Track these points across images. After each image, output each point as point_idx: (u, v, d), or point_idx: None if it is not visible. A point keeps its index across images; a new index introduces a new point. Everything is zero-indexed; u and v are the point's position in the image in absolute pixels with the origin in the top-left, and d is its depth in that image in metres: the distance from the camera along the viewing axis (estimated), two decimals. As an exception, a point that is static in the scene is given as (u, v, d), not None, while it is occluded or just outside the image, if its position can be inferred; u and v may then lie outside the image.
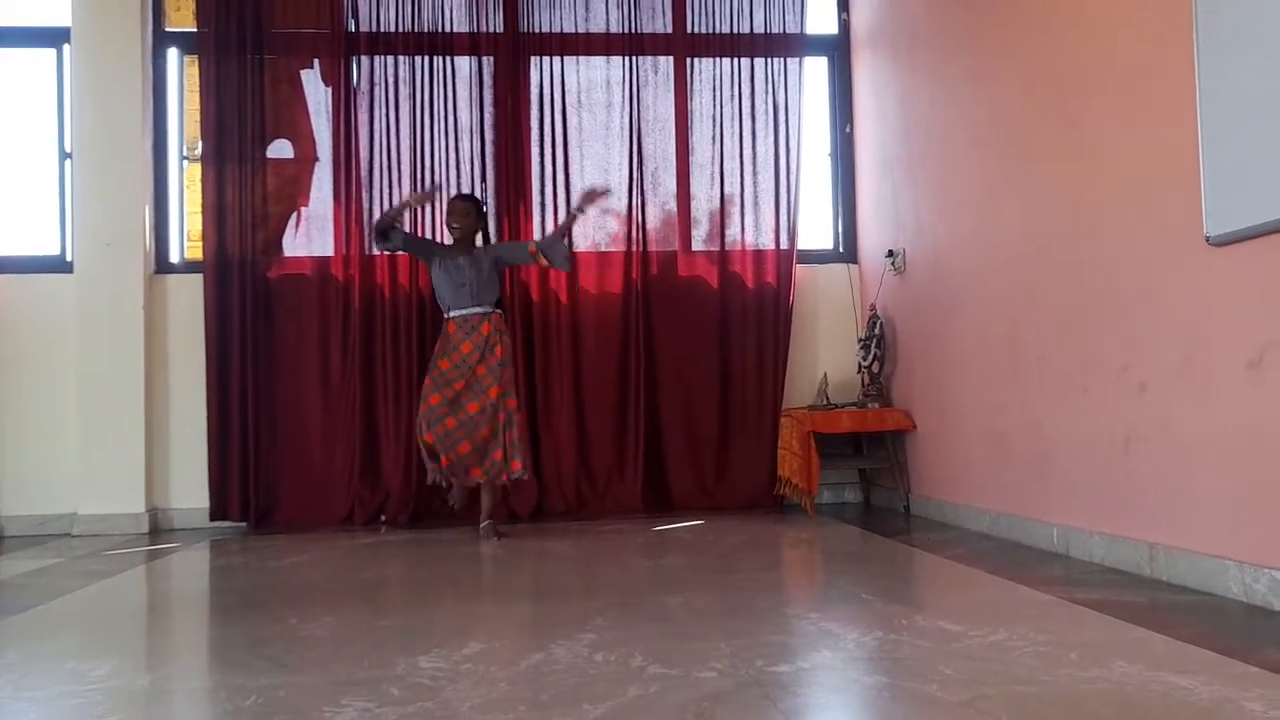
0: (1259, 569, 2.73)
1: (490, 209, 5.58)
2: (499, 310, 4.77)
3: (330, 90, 5.59)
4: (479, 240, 4.85)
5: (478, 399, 4.61)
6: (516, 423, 4.66)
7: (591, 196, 4.79)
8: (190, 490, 5.45)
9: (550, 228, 5.60)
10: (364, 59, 5.59)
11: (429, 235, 5.47)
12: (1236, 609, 2.73)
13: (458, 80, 5.64)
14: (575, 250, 5.62)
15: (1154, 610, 2.76)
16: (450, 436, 4.59)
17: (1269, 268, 2.69)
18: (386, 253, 5.11)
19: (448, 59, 5.63)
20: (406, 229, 5.10)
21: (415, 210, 5.44)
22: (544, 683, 2.17)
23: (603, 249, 5.68)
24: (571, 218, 4.83)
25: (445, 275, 4.69)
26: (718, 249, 5.74)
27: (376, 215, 5.51)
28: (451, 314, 4.69)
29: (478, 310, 4.67)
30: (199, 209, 5.54)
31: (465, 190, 5.53)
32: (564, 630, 2.66)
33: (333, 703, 2.05)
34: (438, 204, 5.42)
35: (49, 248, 5.55)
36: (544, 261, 4.83)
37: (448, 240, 4.97)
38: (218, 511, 5.37)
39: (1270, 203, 2.63)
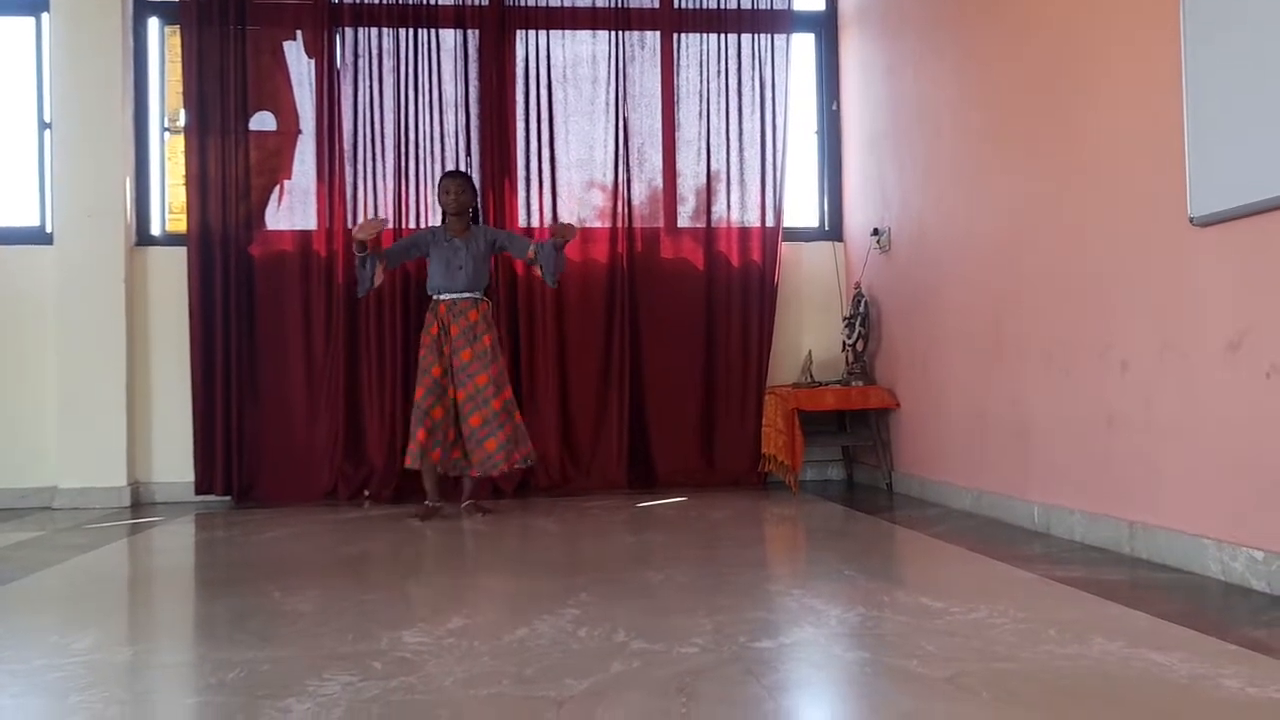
0: (1236, 547, 2.75)
1: (475, 184, 5.53)
2: (488, 300, 4.71)
3: (313, 62, 5.53)
4: (470, 217, 4.76)
5: (464, 387, 4.54)
6: (514, 411, 4.61)
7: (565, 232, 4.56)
8: (172, 464, 5.43)
9: (535, 203, 5.59)
10: (347, 31, 5.53)
11: (414, 225, 5.45)
12: (1214, 587, 2.76)
13: (442, 53, 5.59)
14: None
15: (1133, 588, 2.79)
16: (438, 429, 4.53)
17: (1251, 249, 2.70)
18: (375, 283, 4.65)
19: (432, 31, 5.58)
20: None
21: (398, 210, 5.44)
22: (527, 657, 2.17)
23: (588, 225, 5.66)
24: (559, 245, 4.57)
25: (441, 257, 4.60)
26: (703, 226, 5.72)
27: (360, 190, 5.48)
28: (441, 296, 4.60)
29: (468, 296, 4.59)
30: (180, 180, 5.49)
31: (450, 165, 5.51)
32: (547, 605, 2.67)
33: (316, 676, 2.05)
34: (423, 188, 5.42)
35: (28, 219, 5.49)
36: (537, 270, 4.75)
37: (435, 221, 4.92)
38: (203, 485, 5.36)
39: (1254, 183, 2.64)
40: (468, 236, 4.65)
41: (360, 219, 5.45)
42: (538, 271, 4.79)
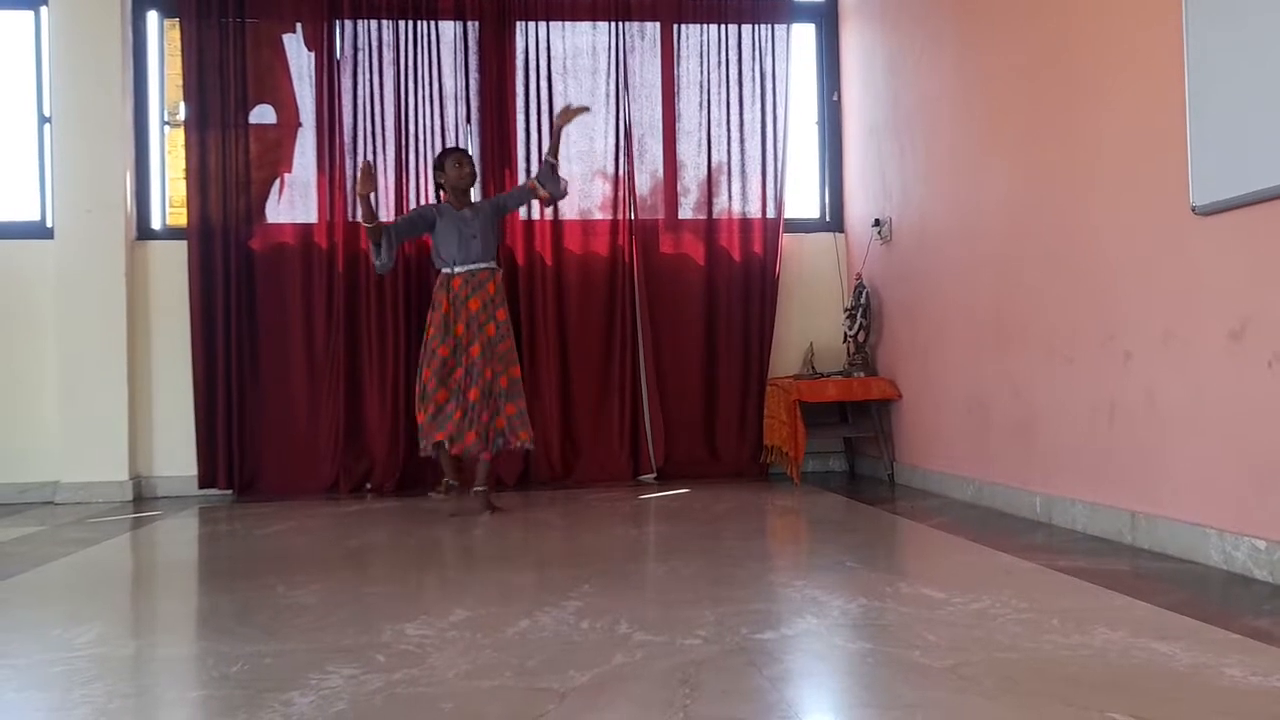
0: (1239, 537, 2.75)
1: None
2: (500, 269, 4.61)
3: (313, 55, 5.52)
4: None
5: (490, 364, 4.41)
6: (522, 392, 4.50)
7: (569, 113, 4.53)
8: (174, 458, 5.43)
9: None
10: (347, 23, 5.52)
11: (413, 203, 5.45)
12: (1216, 576, 2.76)
13: (442, 45, 5.58)
14: (564, 219, 5.59)
15: (1135, 578, 2.79)
16: (443, 412, 4.39)
17: (1254, 238, 2.69)
18: (390, 259, 4.57)
19: (432, 23, 5.56)
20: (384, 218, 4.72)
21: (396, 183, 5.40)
22: (530, 650, 2.17)
23: (590, 216, 5.65)
24: (555, 136, 4.57)
25: (453, 229, 4.46)
26: (704, 217, 5.72)
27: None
28: (456, 270, 4.46)
29: (485, 266, 4.48)
30: (181, 174, 5.49)
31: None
32: (550, 597, 2.67)
33: (319, 670, 2.05)
34: (424, 180, 5.41)
35: (29, 213, 5.48)
36: (544, 194, 4.62)
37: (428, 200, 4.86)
38: (205, 479, 5.35)
39: (1256, 172, 2.63)
40: (474, 207, 4.56)
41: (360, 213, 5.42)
42: (544, 196, 4.63)
